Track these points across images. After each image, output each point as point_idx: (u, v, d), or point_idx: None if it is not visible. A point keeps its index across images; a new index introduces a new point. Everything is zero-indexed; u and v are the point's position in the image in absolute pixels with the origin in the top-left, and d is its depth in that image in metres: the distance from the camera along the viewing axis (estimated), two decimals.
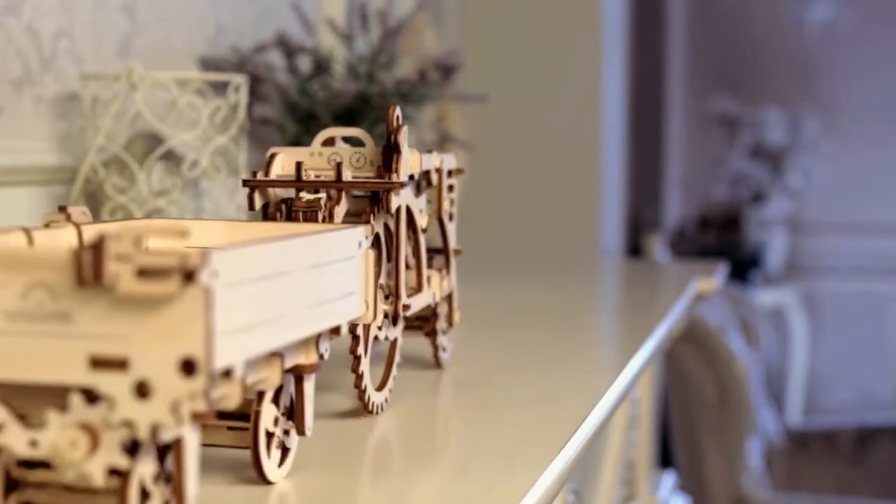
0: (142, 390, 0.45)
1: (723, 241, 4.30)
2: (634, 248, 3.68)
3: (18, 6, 1.12)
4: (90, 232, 0.58)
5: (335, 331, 0.62)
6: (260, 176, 0.75)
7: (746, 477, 2.53)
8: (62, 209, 0.58)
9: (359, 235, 0.63)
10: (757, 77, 4.52)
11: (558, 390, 0.85)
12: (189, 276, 0.44)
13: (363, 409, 0.75)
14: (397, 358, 0.80)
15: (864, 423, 3.99)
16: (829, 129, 4.44)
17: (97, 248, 0.44)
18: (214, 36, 1.48)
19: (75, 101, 1.21)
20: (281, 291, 0.53)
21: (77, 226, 0.58)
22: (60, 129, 1.20)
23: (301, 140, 1.39)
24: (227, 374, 0.49)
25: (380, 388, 0.77)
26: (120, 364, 0.45)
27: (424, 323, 0.91)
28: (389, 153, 0.76)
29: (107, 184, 1.15)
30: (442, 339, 0.92)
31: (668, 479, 1.82)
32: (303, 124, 1.39)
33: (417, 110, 1.45)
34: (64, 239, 0.57)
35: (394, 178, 0.76)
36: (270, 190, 0.75)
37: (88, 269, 0.44)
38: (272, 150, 0.77)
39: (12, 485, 0.50)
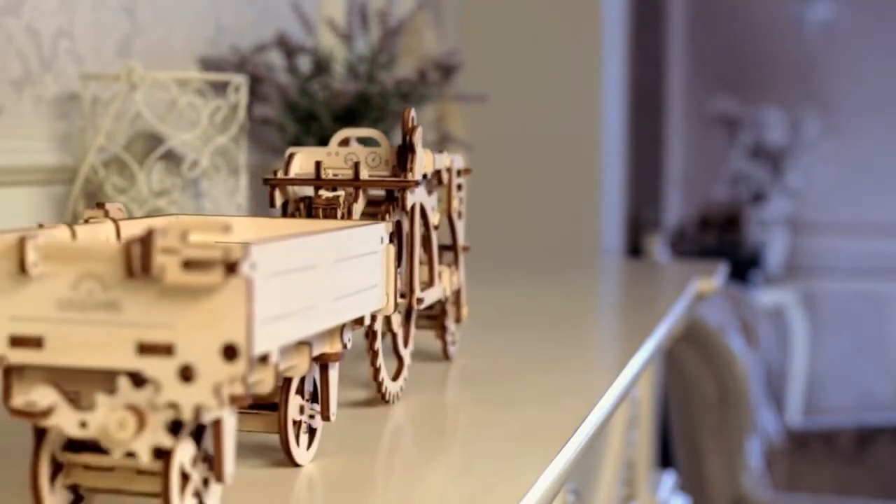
0: (186, 374, 0.48)
1: (723, 241, 4.30)
2: (634, 248, 3.68)
3: (18, 6, 1.12)
4: (127, 227, 0.61)
5: (357, 321, 0.65)
6: (280, 175, 0.78)
7: (746, 477, 2.53)
8: (100, 206, 0.61)
9: (381, 231, 0.67)
10: (757, 77, 4.52)
11: (558, 390, 0.85)
12: (231, 267, 0.47)
13: (380, 398, 0.79)
14: (410, 349, 0.83)
15: (864, 423, 3.99)
16: (829, 129, 4.44)
17: (146, 241, 0.47)
18: (214, 36, 1.48)
19: (75, 101, 1.21)
20: (311, 283, 0.56)
21: (115, 221, 0.61)
22: (60, 129, 1.20)
23: (301, 140, 1.39)
24: (262, 360, 0.51)
25: (394, 379, 0.81)
26: (166, 350, 0.48)
27: (434, 317, 0.94)
28: (405, 153, 0.79)
29: (107, 184, 1.15)
30: (450, 333, 0.95)
31: (668, 479, 1.82)
32: (303, 124, 1.39)
33: (417, 110, 1.45)
34: (103, 234, 0.60)
35: (409, 176, 0.79)
36: (290, 188, 0.78)
37: (137, 261, 0.47)
38: (290, 150, 0.80)
39: (58, 468, 0.52)
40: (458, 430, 0.76)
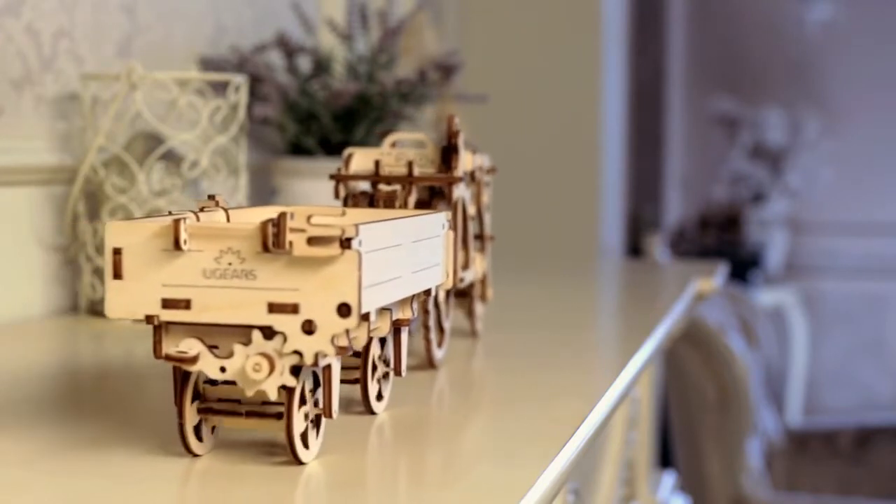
0: (308, 328, 0.59)
1: (723, 241, 4.30)
2: (634, 248, 3.68)
3: (18, 6, 1.12)
4: (235, 214, 0.72)
5: (425, 293, 0.77)
6: (343, 172, 0.91)
7: (746, 477, 2.53)
8: (211, 197, 0.70)
9: (443, 219, 0.77)
10: (757, 77, 4.51)
11: (558, 390, 0.85)
12: (346, 243, 0.59)
13: (428, 364, 0.90)
14: (450, 321, 0.94)
15: (864, 423, 3.98)
16: (829, 129, 4.44)
17: (278, 223, 0.59)
18: (214, 36, 1.48)
19: (75, 101, 1.21)
20: (397, 258, 0.67)
21: (225, 210, 0.71)
22: (60, 129, 1.20)
23: (301, 140, 1.39)
24: (362, 319, 0.61)
25: (439, 347, 0.92)
26: (292, 308, 0.59)
27: (463, 297, 1.04)
28: (449, 153, 0.91)
29: (107, 184, 1.15)
30: (478, 313, 1.04)
31: (668, 479, 1.82)
32: (303, 124, 1.39)
33: (417, 110, 1.45)
34: (216, 219, 0.70)
35: (454, 174, 0.91)
36: (350, 183, 0.90)
37: (271, 238, 0.59)
38: (348, 150, 0.92)
39: (197, 395, 0.64)
40: (453, 434, 0.76)
